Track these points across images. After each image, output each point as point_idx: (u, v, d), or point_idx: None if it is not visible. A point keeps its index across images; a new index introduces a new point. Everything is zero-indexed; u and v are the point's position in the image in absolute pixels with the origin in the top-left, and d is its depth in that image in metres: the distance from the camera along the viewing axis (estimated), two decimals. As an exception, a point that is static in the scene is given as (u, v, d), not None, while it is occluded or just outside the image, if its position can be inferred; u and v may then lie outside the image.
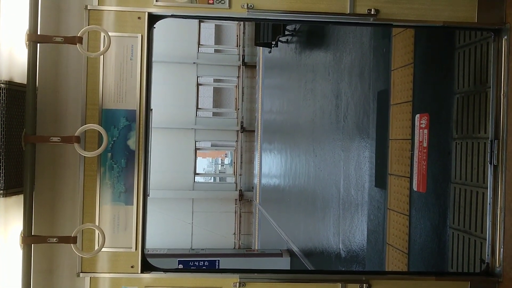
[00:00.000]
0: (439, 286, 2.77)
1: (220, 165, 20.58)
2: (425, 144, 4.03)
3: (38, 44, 2.42)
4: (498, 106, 2.82)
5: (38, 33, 2.43)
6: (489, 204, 2.84)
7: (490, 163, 2.84)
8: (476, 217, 3.27)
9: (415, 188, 4.15)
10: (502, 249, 2.76)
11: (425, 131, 4.02)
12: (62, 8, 2.62)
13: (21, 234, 2.36)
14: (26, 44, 2.39)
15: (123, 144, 2.66)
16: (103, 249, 2.57)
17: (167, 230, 14.57)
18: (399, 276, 2.78)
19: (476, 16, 2.80)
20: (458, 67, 3.62)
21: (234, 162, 16.31)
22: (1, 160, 2.23)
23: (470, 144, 3.39)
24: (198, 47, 15.91)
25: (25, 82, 2.38)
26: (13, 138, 2.33)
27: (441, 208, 3.78)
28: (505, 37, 2.79)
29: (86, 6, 2.62)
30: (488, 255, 2.83)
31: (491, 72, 2.87)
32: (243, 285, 2.71)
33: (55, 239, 2.38)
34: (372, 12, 2.74)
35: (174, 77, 15.31)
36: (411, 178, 4.23)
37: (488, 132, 2.94)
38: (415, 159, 4.15)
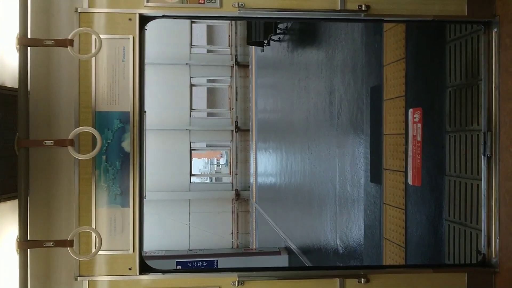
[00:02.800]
0: (437, 279, 2.79)
1: (215, 166, 20.57)
2: (419, 138, 4.05)
3: (29, 48, 2.41)
4: (490, 99, 2.84)
5: (29, 36, 2.42)
6: (484, 195, 2.86)
7: (484, 155, 2.86)
8: (471, 209, 3.30)
9: (410, 182, 4.17)
10: (497, 240, 2.78)
11: (419, 125, 4.05)
12: (52, 11, 2.60)
13: (17, 239, 2.35)
14: (16, 48, 2.37)
15: (118, 146, 2.66)
16: (100, 252, 2.56)
17: (165, 232, 14.54)
18: (397, 270, 2.80)
19: (466, 9, 2.82)
20: (449, 61, 3.64)
21: (230, 162, 16.30)
22: (-5, 166, 2.22)
23: (464, 137, 3.41)
24: (191, 48, 15.88)
25: (16, 86, 2.36)
26: (6, 142, 2.32)
27: (436, 201, 3.80)
28: (495, 29, 2.81)
29: (76, 9, 2.61)
30: (484, 246, 2.85)
31: (482, 65, 2.89)
32: (241, 283, 2.71)
33: (51, 243, 2.38)
34: (363, 8, 2.75)
35: (167, 78, 15.27)
36: (406, 172, 4.25)
37: (481, 124, 2.96)
38: (410, 153, 4.17)
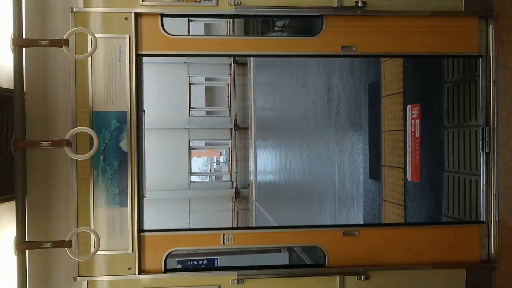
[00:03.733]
0: (436, 275, 2.79)
1: (215, 164, 20.56)
2: (417, 134, 4.05)
3: (24, 48, 2.39)
4: (488, 94, 2.84)
5: (23, 37, 2.41)
6: (483, 191, 2.86)
7: (482, 150, 2.86)
8: (470, 205, 3.30)
9: (409, 178, 4.17)
10: (497, 235, 2.78)
11: (417, 121, 4.04)
12: (46, 11, 2.59)
13: (14, 240, 2.35)
14: (11, 48, 2.36)
15: (115, 146, 2.65)
16: (100, 252, 2.56)
17: (165, 231, 14.50)
18: (397, 266, 2.80)
19: (463, 4, 2.82)
20: (447, 56, 3.63)
21: (229, 160, 16.29)
22: (-8, 167, 2.21)
23: (462, 133, 3.41)
24: (188, 46, 15.80)
25: (12, 87, 2.35)
26: (2, 144, 2.31)
27: (435, 197, 3.80)
28: (492, 24, 2.81)
29: (72, 9, 2.60)
30: (483, 241, 2.86)
31: (479, 60, 2.89)
32: (241, 282, 2.71)
33: (49, 244, 2.37)
34: (360, 4, 2.75)
35: (166, 77, 15.24)
36: (405, 168, 4.25)
37: (479, 120, 2.95)
38: (408, 149, 4.17)
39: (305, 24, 8.04)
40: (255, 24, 10.55)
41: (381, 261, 2.81)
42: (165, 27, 2.71)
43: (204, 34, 16.61)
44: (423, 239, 2.83)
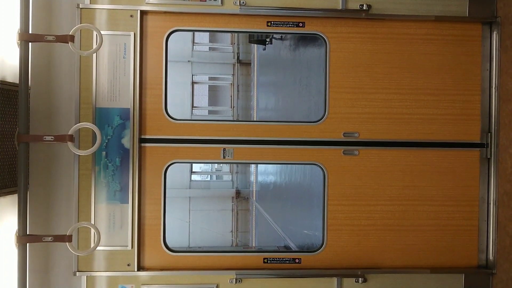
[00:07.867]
0: (434, 279, 2.80)
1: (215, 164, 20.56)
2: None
3: (30, 43, 2.42)
4: (490, 100, 2.85)
5: (30, 32, 2.43)
6: (482, 197, 2.87)
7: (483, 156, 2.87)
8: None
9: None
10: (495, 241, 2.79)
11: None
12: (53, 7, 2.62)
13: (16, 233, 2.36)
14: (17, 43, 2.38)
15: (118, 142, 2.67)
16: (99, 248, 2.58)
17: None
18: (394, 270, 2.81)
19: (468, 10, 2.83)
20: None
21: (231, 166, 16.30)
22: (-5, 160, 2.23)
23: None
24: (193, 45, 15.86)
25: (17, 81, 2.37)
26: (6, 137, 2.33)
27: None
28: (496, 31, 2.82)
29: (78, 5, 2.62)
30: (481, 247, 2.86)
31: (482, 66, 2.90)
32: (239, 281, 2.72)
33: (50, 238, 2.39)
34: (364, 8, 2.77)
35: (169, 76, 15.26)
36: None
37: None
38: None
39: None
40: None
41: (379, 262, 2.82)
42: (169, 112, 2.79)
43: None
44: (421, 237, 2.83)
